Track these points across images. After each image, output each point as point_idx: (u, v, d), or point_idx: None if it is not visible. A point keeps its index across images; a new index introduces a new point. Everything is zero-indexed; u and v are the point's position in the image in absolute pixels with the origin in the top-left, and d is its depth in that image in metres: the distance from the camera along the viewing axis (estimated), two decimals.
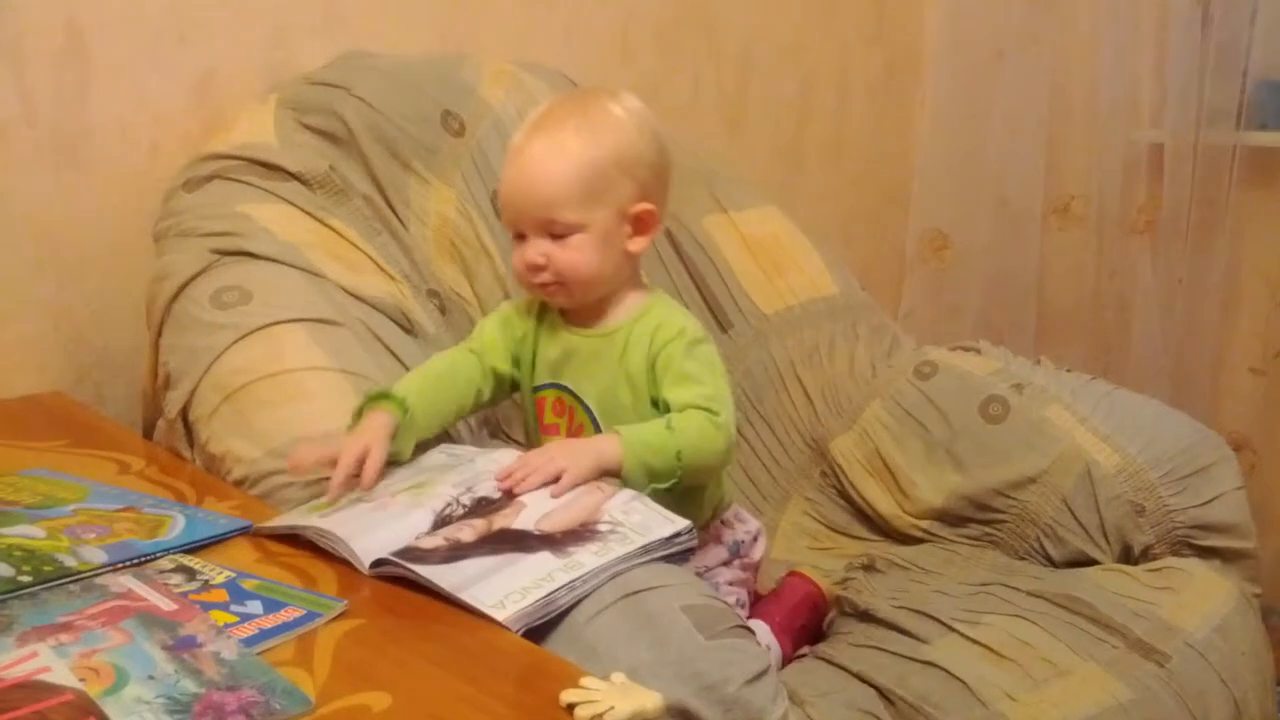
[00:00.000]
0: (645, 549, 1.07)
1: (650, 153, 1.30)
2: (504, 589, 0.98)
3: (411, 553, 1.03)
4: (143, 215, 1.57)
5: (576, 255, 1.27)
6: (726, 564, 1.39)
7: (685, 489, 1.26)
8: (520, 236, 1.29)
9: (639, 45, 2.21)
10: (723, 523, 1.41)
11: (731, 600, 1.34)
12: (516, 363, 1.38)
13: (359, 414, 1.23)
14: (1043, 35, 2.54)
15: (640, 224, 1.31)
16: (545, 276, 1.28)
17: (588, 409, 1.33)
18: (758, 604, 1.47)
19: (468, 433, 1.45)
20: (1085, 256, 2.58)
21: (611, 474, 1.20)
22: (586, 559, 1.03)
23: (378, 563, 1.03)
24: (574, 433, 1.34)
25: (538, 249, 1.27)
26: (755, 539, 1.44)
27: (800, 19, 2.49)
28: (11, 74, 1.52)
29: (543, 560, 1.03)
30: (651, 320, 1.32)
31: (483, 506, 1.12)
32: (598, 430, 1.32)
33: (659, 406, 1.29)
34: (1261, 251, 2.40)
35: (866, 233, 2.74)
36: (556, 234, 1.26)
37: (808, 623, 1.47)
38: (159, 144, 1.65)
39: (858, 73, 2.63)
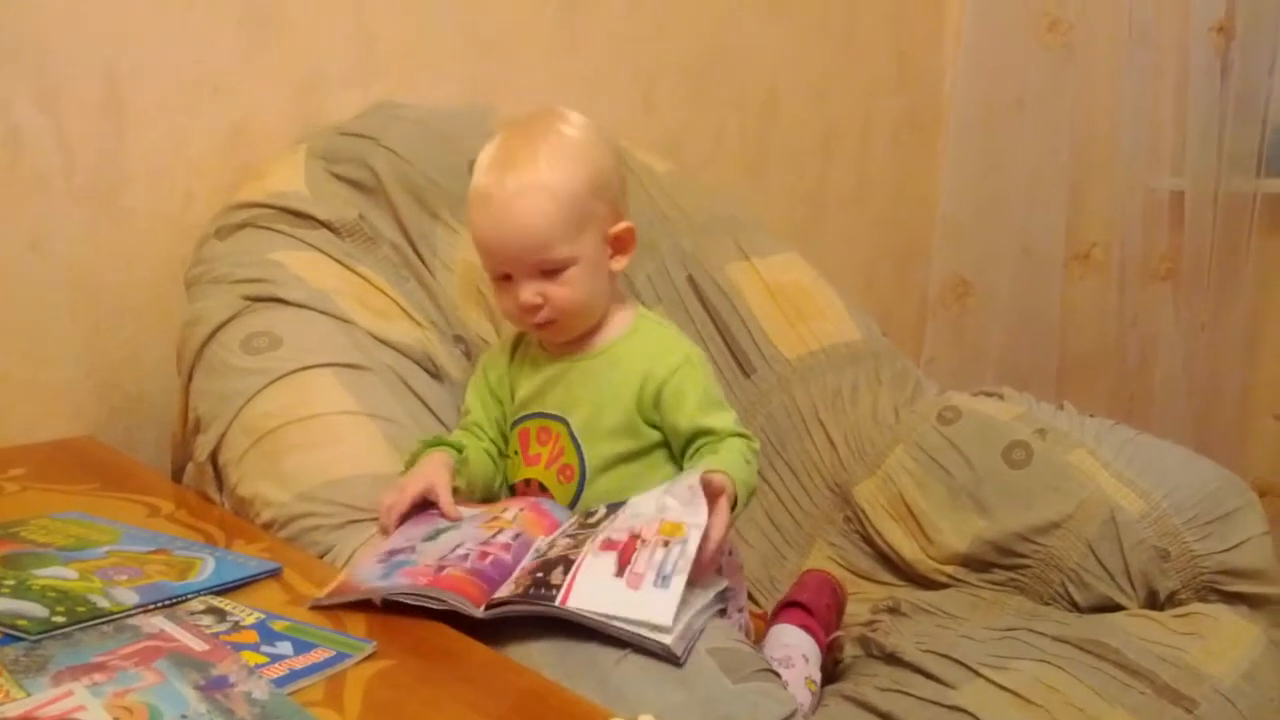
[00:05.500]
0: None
1: (612, 168, 1.31)
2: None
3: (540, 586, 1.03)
4: (176, 262, 1.60)
5: (572, 290, 1.27)
6: None
7: None
8: (506, 278, 1.29)
9: (663, 95, 2.24)
10: None
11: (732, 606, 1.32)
12: (501, 405, 1.39)
13: (413, 460, 1.26)
14: (1063, 84, 2.56)
15: (620, 243, 1.32)
16: (543, 315, 1.28)
17: (571, 432, 1.32)
18: (784, 605, 1.46)
19: None
20: (1107, 303, 2.58)
21: None
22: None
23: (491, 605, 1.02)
24: (556, 457, 1.32)
25: (532, 290, 1.26)
26: None
27: (822, 69, 2.52)
28: (51, 124, 1.55)
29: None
30: (646, 340, 1.33)
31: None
32: (579, 453, 1.31)
33: (659, 430, 1.30)
34: None
35: (888, 280, 2.76)
36: (548, 271, 1.26)
37: (832, 602, 1.47)
38: (193, 192, 1.68)
39: (880, 121, 2.66)
